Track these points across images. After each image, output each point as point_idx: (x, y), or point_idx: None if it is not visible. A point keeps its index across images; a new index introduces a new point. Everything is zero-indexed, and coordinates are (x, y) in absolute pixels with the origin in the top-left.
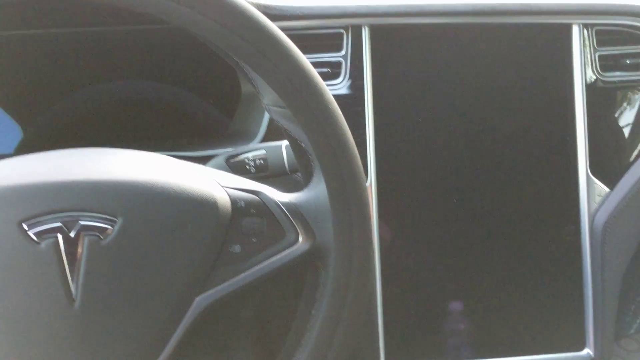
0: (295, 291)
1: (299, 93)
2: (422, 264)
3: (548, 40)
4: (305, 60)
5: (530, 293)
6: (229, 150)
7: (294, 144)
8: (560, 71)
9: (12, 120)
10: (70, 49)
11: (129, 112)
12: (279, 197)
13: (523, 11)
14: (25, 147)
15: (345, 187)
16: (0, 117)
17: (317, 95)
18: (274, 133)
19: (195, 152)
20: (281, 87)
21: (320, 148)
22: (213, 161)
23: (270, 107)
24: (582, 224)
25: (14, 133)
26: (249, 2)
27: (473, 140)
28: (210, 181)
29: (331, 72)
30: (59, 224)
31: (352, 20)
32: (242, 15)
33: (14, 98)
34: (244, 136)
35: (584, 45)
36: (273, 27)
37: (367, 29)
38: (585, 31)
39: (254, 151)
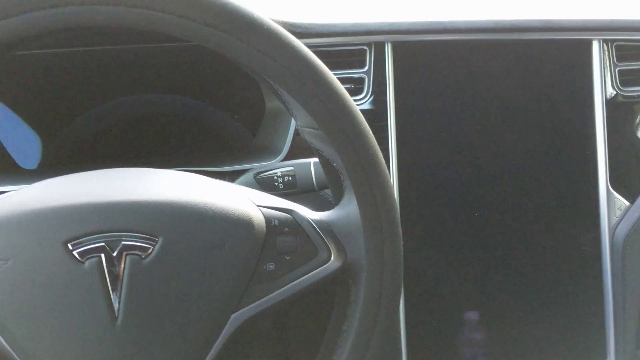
0: (313, 304)
1: (332, 115)
2: (442, 274)
3: (568, 55)
4: (338, 83)
5: (551, 303)
6: (256, 165)
7: (326, 164)
8: (581, 86)
9: (36, 135)
10: (96, 65)
11: (153, 126)
12: (311, 215)
13: (544, 27)
14: (50, 161)
15: (377, 207)
16: (24, 132)
17: (349, 117)
18: (298, 149)
19: (219, 167)
20: (315, 110)
21: (353, 169)
22: (243, 177)
23: (303, 128)
24: (602, 237)
25: (38, 147)
26: (277, 21)
27: (494, 155)
28: (246, 200)
29: (354, 88)
30: (102, 244)
31: (375, 37)
32: (277, 40)
33: (39, 113)
34: (268, 152)
35: (604, 61)
36: (307, 51)
37: (389, 45)
38: (605, 46)
39: (283, 168)
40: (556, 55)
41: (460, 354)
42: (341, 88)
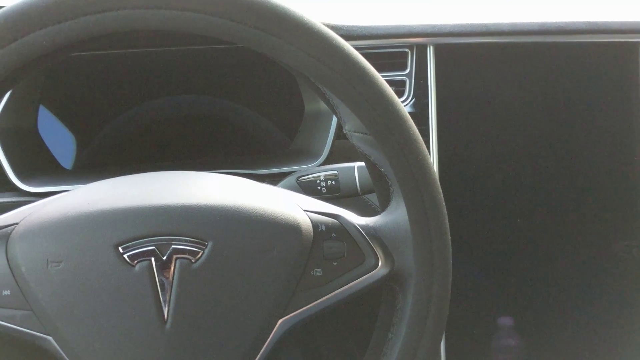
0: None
1: (383, 120)
2: (480, 280)
3: (614, 58)
4: (388, 87)
5: (588, 310)
6: (295, 169)
7: (373, 169)
8: (626, 89)
9: (74, 136)
10: (135, 67)
11: (190, 128)
12: (358, 220)
13: (590, 30)
14: (89, 161)
15: (426, 213)
16: (64, 132)
17: (400, 122)
18: (337, 153)
19: (258, 170)
20: (365, 115)
21: (402, 174)
22: (285, 181)
23: (352, 133)
24: None
25: (73, 148)
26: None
27: (537, 159)
28: (293, 205)
29: (395, 90)
30: (152, 247)
31: (417, 39)
32: (328, 44)
33: (78, 114)
34: (308, 155)
35: None
36: (358, 55)
37: (432, 48)
38: None
39: (326, 171)
40: (602, 58)
41: (495, 359)
42: (391, 92)
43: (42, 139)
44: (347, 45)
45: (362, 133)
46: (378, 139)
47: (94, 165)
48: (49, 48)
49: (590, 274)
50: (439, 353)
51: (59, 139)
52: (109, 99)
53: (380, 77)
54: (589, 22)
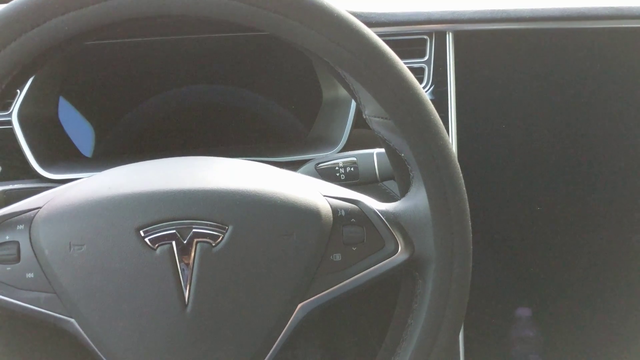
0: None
1: (403, 104)
2: (499, 270)
3: (637, 44)
4: (408, 72)
5: (605, 301)
6: (315, 156)
7: (393, 154)
8: None
9: (94, 125)
10: (154, 56)
11: (209, 117)
12: (378, 206)
13: (613, 15)
14: (109, 149)
15: (447, 198)
16: (84, 121)
17: (420, 106)
18: (355, 141)
19: (277, 157)
20: (385, 99)
21: (423, 159)
22: (304, 167)
23: (371, 117)
24: None
25: (93, 136)
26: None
27: (556, 148)
28: (313, 190)
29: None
30: (173, 231)
31: (436, 26)
32: (348, 28)
33: (98, 102)
34: (326, 143)
35: None
36: (378, 39)
37: (451, 34)
38: None
39: (345, 158)
40: (625, 44)
41: (512, 350)
42: (412, 77)
43: (62, 128)
44: (368, 30)
45: (382, 118)
46: (398, 123)
47: (114, 153)
48: (71, 33)
49: (609, 266)
50: (458, 342)
51: (79, 128)
52: (128, 89)
53: (400, 61)
54: (612, 8)
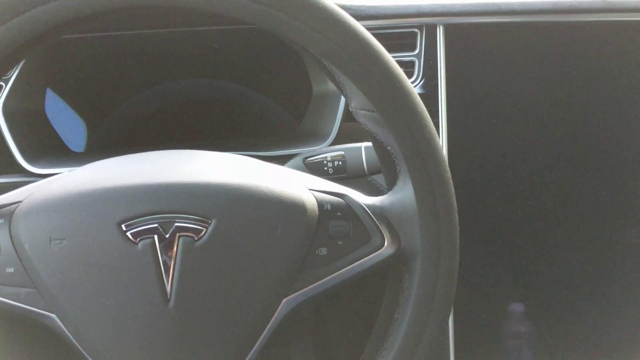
0: (353, 291)
1: (389, 97)
2: (489, 265)
3: (628, 38)
4: (395, 64)
5: (598, 296)
6: (304, 150)
7: (380, 148)
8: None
9: (84, 118)
10: (141, 50)
11: (198, 112)
12: (364, 200)
13: (604, 9)
14: (98, 145)
15: (433, 192)
16: (73, 115)
17: (407, 99)
18: (345, 135)
19: (266, 151)
20: (371, 91)
21: (409, 152)
22: (292, 162)
23: (358, 110)
24: None
25: (85, 132)
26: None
27: (548, 143)
28: (298, 184)
29: (404, 71)
30: (155, 225)
31: (427, 19)
32: (333, 20)
33: (87, 97)
34: (316, 137)
35: None
36: (364, 31)
37: (441, 28)
38: None
39: (333, 152)
40: (617, 38)
41: (505, 345)
42: (398, 69)
43: (49, 122)
44: (353, 21)
45: (368, 110)
46: (384, 115)
47: (103, 148)
48: (53, 23)
49: (601, 261)
50: (448, 338)
51: (66, 122)
52: (116, 83)
53: (386, 53)
54: (603, 1)
